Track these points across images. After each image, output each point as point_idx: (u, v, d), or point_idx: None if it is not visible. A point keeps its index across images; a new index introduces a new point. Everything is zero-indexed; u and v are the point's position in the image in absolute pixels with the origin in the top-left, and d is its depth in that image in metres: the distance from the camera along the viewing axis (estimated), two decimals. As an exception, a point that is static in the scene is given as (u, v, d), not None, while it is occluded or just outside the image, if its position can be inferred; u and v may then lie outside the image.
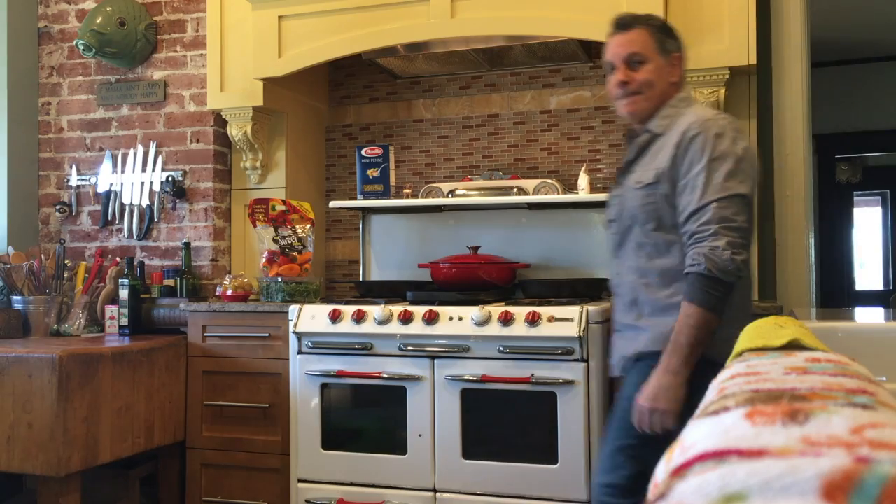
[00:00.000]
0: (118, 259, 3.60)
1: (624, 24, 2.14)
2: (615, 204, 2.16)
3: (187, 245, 3.47)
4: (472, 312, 2.72)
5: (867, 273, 7.22)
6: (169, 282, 3.46)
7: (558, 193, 3.28)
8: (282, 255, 3.27)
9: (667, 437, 1.93)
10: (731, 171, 1.92)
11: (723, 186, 1.90)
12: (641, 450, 1.96)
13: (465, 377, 2.71)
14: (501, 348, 2.66)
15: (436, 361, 2.76)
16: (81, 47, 3.51)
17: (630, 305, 2.10)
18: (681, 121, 2.04)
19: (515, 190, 3.35)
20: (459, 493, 2.71)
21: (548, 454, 2.63)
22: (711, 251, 1.87)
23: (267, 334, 3.09)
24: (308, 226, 3.39)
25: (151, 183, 3.64)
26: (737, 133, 2.00)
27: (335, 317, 2.87)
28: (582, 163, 3.40)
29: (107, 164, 3.72)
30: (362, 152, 3.46)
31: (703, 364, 1.91)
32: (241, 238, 3.64)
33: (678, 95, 2.12)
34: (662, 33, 2.13)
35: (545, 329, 2.63)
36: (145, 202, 3.65)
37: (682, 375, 1.89)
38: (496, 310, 2.71)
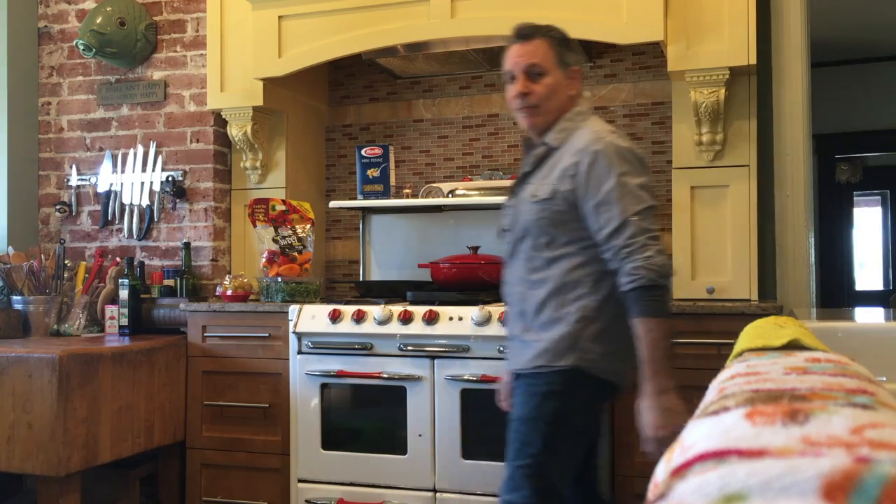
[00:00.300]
0: (118, 259, 3.60)
1: (525, 34, 2.13)
2: (509, 214, 2.17)
3: (187, 245, 3.47)
4: (472, 312, 2.72)
5: (867, 273, 7.22)
6: (169, 282, 3.46)
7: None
8: (282, 255, 3.27)
9: (564, 451, 1.98)
10: (639, 183, 1.97)
11: (637, 199, 1.95)
12: (539, 468, 1.97)
13: (465, 377, 2.71)
14: (501, 348, 2.66)
15: (436, 361, 2.76)
16: (81, 47, 3.51)
17: (518, 316, 2.10)
18: (577, 136, 2.05)
19: (515, 190, 3.35)
20: (459, 493, 2.71)
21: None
22: (647, 261, 1.90)
23: (267, 334, 3.09)
24: (308, 226, 3.39)
25: (151, 183, 3.64)
26: (633, 146, 2.05)
27: (335, 317, 2.87)
28: (582, 163, 3.40)
29: (107, 164, 3.72)
30: (362, 152, 3.46)
31: (575, 375, 1.97)
32: (241, 238, 3.64)
33: (575, 109, 2.13)
34: (562, 46, 2.13)
35: (545, 329, 2.62)
36: (145, 202, 3.65)
37: (671, 387, 1.90)
38: (496, 310, 2.71)
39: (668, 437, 1.84)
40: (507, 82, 2.16)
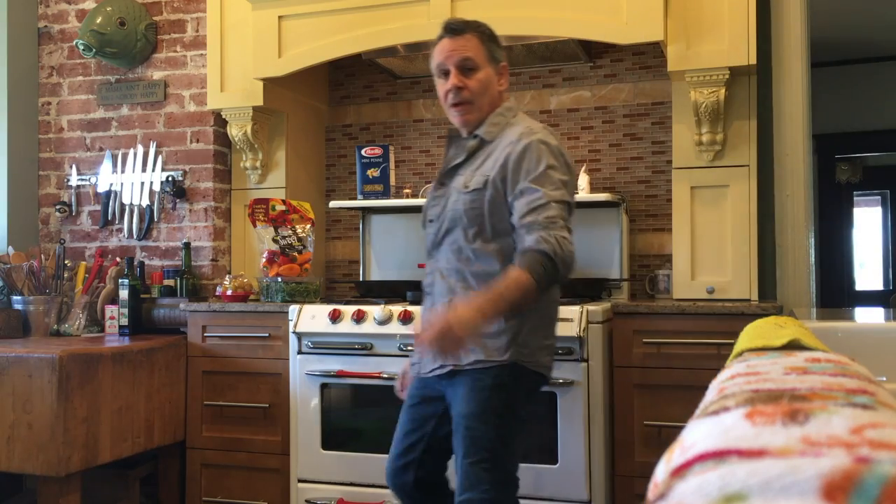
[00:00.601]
0: (118, 259, 3.60)
1: (456, 28, 2.13)
2: (435, 205, 2.18)
3: (187, 245, 3.47)
4: (472, 312, 2.72)
5: (867, 273, 7.22)
6: (169, 282, 3.46)
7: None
8: (282, 255, 3.27)
9: (513, 442, 2.01)
10: (564, 181, 2.03)
11: (562, 193, 2.00)
12: (496, 461, 1.99)
13: (465, 377, 2.71)
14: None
15: (436, 361, 2.76)
16: (81, 47, 3.51)
17: (446, 307, 2.06)
18: (510, 131, 2.10)
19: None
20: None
21: (548, 454, 2.63)
22: (561, 239, 1.92)
23: (267, 334, 3.09)
24: (308, 226, 3.39)
25: (151, 183, 3.64)
26: (560, 145, 2.09)
27: (335, 317, 2.87)
28: (582, 163, 3.40)
29: (107, 164, 3.72)
30: (362, 152, 3.46)
31: (508, 368, 2.00)
32: (241, 238, 3.64)
33: (505, 104, 2.17)
34: (492, 42, 2.14)
35: (545, 329, 2.62)
36: (145, 202, 3.65)
37: (486, 321, 1.90)
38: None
39: (447, 335, 1.84)
40: (437, 77, 2.16)
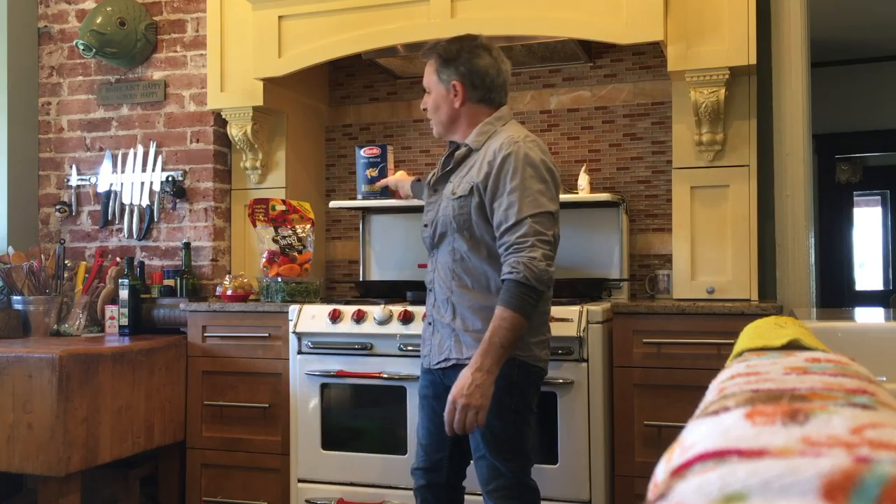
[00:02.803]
0: (118, 259, 3.60)
1: (425, 53, 2.35)
2: (429, 210, 2.34)
3: (187, 245, 3.47)
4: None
5: (867, 273, 7.22)
6: (169, 282, 3.46)
7: (558, 193, 3.28)
8: (282, 255, 3.27)
9: (529, 433, 2.20)
10: (540, 189, 2.12)
11: (536, 203, 2.10)
12: (517, 451, 2.15)
13: (465, 377, 2.71)
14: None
15: (436, 361, 2.76)
16: (81, 47, 3.51)
17: (445, 303, 2.24)
18: (495, 139, 2.22)
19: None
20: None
21: (548, 454, 2.63)
22: (529, 261, 2.03)
23: (267, 334, 3.09)
24: (308, 226, 3.39)
25: (151, 183, 3.64)
26: (544, 154, 2.20)
27: (335, 317, 2.87)
28: (582, 163, 3.40)
29: (107, 164, 3.72)
30: (361, 152, 3.46)
31: (517, 366, 2.12)
32: (241, 238, 3.64)
33: (495, 114, 2.27)
34: (440, 64, 2.29)
35: (545, 329, 2.62)
36: (145, 202, 3.65)
37: (493, 374, 2.03)
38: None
39: (467, 409, 2.01)
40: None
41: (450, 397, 2.05)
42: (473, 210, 2.17)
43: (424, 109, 2.37)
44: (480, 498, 2.22)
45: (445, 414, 2.06)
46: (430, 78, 2.31)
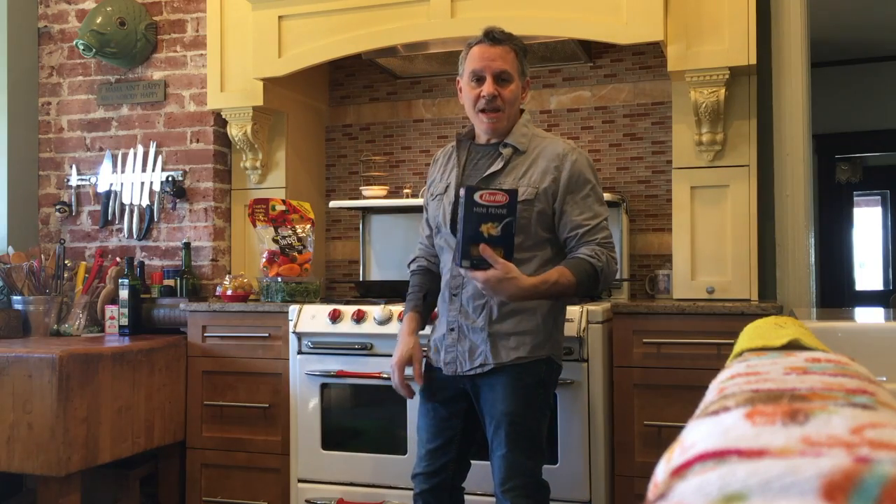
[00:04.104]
0: (118, 259, 3.60)
1: (497, 38, 2.19)
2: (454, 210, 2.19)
3: (187, 245, 3.47)
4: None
5: (867, 273, 7.22)
6: (169, 282, 3.46)
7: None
8: (282, 255, 3.27)
9: (546, 429, 2.24)
10: (602, 196, 2.24)
11: (606, 209, 2.23)
12: (538, 448, 2.18)
13: (465, 377, 2.70)
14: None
15: (436, 361, 2.76)
16: (81, 47, 3.51)
17: (479, 308, 2.16)
18: (548, 143, 2.22)
19: (515, 190, 3.35)
20: (459, 493, 2.70)
21: (548, 454, 2.63)
22: (610, 260, 2.14)
23: (267, 334, 3.09)
24: (308, 226, 3.39)
25: (151, 183, 3.64)
26: None
27: (335, 317, 2.87)
28: (582, 163, 3.40)
29: (107, 164, 3.72)
30: (476, 197, 1.85)
31: (548, 365, 2.19)
32: (241, 238, 3.64)
33: (525, 116, 2.27)
34: (524, 56, 2.24)
35: (545, 329, 2.62)
36: (145, 202, 3.65)
37: (527, 298, 2.05)
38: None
39: (500, 286, 1.98)
40: (469, 80, 2.20)
41: (494, 272, 1.96)
42: (535, 215, 2.14)
43: (495, 97, 2.15)
44: (480, 498, 2.22)
45: (482, 282, 1.99)
46: (515, 66, 2.18)
